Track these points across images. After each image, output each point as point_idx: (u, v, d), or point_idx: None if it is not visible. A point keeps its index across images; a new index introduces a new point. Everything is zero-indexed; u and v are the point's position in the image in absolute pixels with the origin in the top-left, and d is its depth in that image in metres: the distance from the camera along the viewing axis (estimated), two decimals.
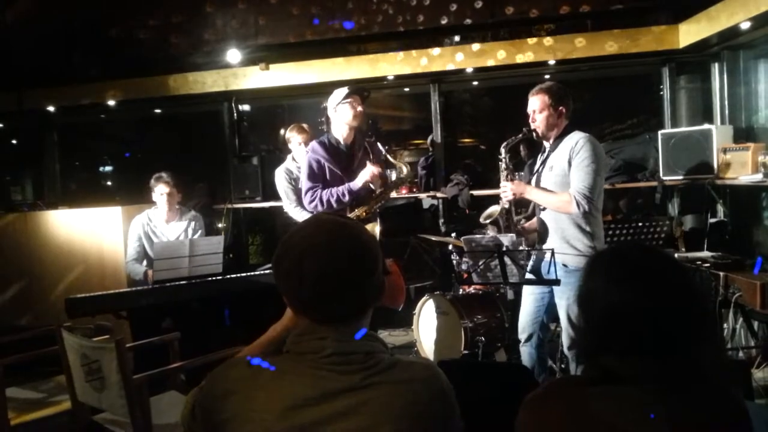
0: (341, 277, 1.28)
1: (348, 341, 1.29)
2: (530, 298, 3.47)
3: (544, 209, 3.34)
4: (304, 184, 3.91)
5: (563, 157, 3.23)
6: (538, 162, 3.44)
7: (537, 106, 3.31)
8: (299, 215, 4.47)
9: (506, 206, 3.44)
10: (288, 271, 1.30)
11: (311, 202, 3.83)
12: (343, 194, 3.76)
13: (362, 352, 1.30)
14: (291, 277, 1.29)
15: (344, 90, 3.85)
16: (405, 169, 3.87)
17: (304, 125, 4.75)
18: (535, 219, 3.49)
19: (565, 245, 3.22)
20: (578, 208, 3.13)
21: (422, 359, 1.41)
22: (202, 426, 1.35)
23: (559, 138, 3.31)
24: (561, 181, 3.23)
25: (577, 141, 3.21)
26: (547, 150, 3.39)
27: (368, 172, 3.76)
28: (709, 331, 1.30)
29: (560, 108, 3.28)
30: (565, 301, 3.18)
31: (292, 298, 1.33)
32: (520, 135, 3.41)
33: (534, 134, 3.35)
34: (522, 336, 3.51)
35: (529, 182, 3.44)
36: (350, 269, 1.29)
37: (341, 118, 3.86)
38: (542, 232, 3.35)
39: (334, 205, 3.76)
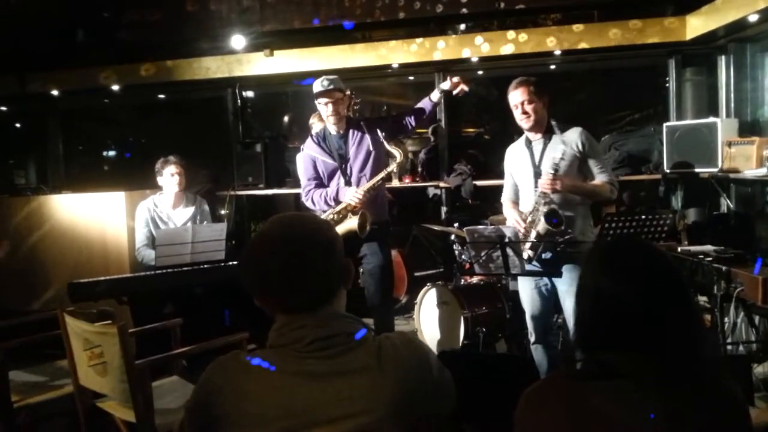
0: (294, 270, 1.33)
1: (326, 326, 1.33)
2: (534, 293, 3.40)
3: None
4: (301, 180, 4.06)
5: (565, 147, 3.18)
6: (531, 155, 3.35)
7: (526, 98, 3.25)
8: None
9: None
10: (248, 273, 1.37)
11: (306, 200, 3.99)
12: (331, 199, 3.84)
13: (344, 333, 1.34)
14: (251, 278, 1.36)
15: (317, 86, 3.78)
16: (399, 156, 3.80)
17: None
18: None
19: (581, 235, 3.27)
20: (615, 195, 3.31)
21: (403, 334, 1.45)
22: (197, 425, 1.37)
23: (549, 131, 3.31)
24: (568, 173, 3.21)
25: (580, 132, 3.27)
26: (535, 142, 3.35)
27: (350, 197, 3.74)
28: (697, 327, 1.31)
29: (545, 99, 3.30)
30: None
31: (258, 298, 1.38)
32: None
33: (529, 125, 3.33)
34: (535, 335, 3.44)
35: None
36: (301, 261, 1.34)
37: (321, 112, 3.92)
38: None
39: (324, 207, 3.86)
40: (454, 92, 3.94)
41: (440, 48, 5.30)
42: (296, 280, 1.33)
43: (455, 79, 3.94)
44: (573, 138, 3.26)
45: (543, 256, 3.25)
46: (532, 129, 3.34)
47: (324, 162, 3.90)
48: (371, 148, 3.83)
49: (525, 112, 3.27)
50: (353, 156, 3.86)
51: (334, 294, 1.39)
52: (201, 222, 4.51)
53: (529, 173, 3.35)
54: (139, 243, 4.44)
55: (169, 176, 4.42)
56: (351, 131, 3.90)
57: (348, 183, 3.85)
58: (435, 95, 4.01)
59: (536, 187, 3.25)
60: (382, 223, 3.94)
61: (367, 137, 3.85)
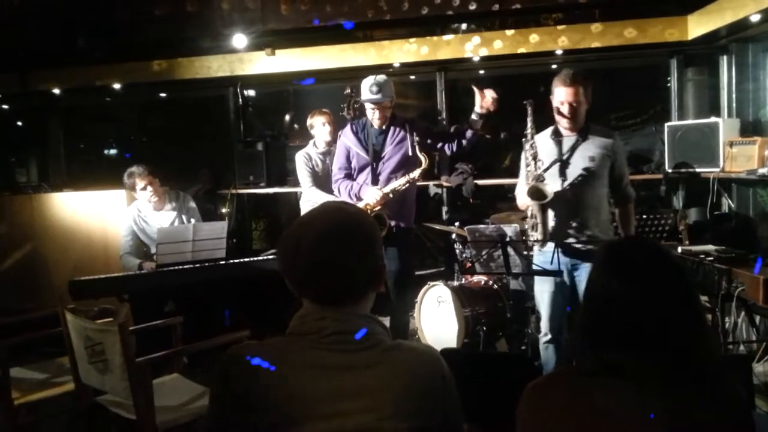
0: (333, 260, 1.33)
1: (348, 321, 1.34)
2: (554, 294, 3.30)
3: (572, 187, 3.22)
4: (334, 166, 4.04)
5: (601, 150, 3.20)
6: (560, 149, 3.25)
7: (578, 98, 3.15)
8: (316, 195, 4.49)
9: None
10: (286, 252, 1.37)
11: (334, 189, 4.00)
12: (356, 195, 3.83)
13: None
14: (288, 258, 1.36)
15: (365, 91, 3.76)
16: (425, 163, 3.74)
17: (325, 110, 4.76)
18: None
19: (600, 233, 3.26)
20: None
21: (423, 344, 1.45)
22: (216, 411, 1.37)
23: (584, 131, 3.24)
24: (600, 173, 3.22)
25: (614, 138, 3.28)
26: (566, 138, 3.26)
27: (369, 197, 3.74)
28: (701, 326, 1.31)
29: (590, 98, 3.23)
30: None
31: (290, 279, 1.38)
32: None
33: (560, 126, 3.24)
34: (550, 334, 3.34)
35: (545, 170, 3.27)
36: (342, 253, 1.34)
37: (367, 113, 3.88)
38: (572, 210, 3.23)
39: (347, 199, 3.82)
40: (485, 105, 3.79)
41: (442, 47, 5.30)
42: (327, 272, 1.33)
43: (484, 92, 3.78)
44: (608, 141, 3.23)
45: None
46: (568, 126, 3.23)
47: (357, 154, 3.87)
48: (410, 152, 3.76)
49: (574, 110, 3.15)
50: (389, 154, 3.82)
51: (362, 294, 1.39)
52: (188, 219, 4.49)
53: (555, 166, 3.25)
54: (122, 250, 4.42)
55: (140, 191, 4.34)
56: (393, 128, 3.84)
57: (375, 181, 3.82)
58: (476, 124, 3.85)
59: (562, 178, 3.20)
60: (405, 229, 3.90)
61: (408, 139, 3.77)
